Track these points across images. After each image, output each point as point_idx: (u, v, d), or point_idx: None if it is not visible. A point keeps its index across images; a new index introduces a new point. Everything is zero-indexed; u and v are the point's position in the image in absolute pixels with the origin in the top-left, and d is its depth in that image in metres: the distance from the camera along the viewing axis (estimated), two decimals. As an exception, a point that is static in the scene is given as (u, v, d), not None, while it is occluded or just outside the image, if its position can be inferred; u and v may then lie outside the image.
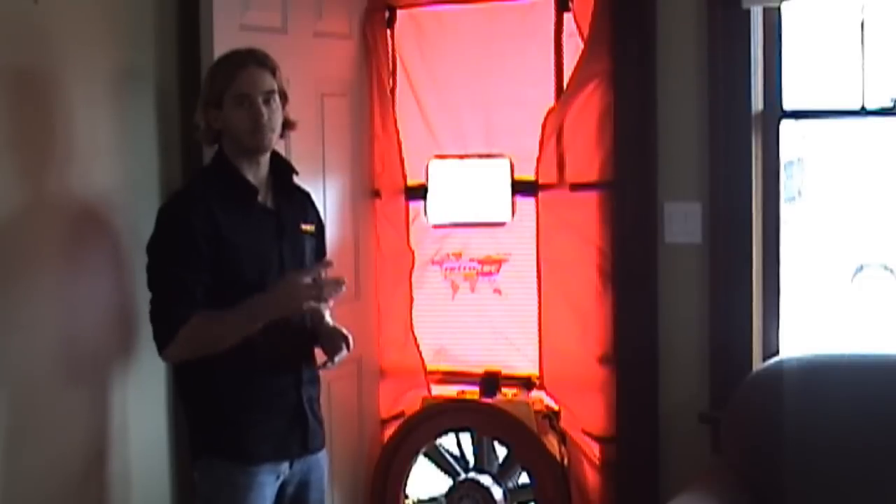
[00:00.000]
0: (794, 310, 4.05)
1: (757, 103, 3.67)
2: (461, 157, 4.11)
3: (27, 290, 3.14)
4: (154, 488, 3.55)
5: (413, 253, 4.14)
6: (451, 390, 4.13)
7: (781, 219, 3.72)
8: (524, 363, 4.04)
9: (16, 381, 3.12)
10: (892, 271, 10.94)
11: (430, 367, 4.15)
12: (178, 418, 3.45)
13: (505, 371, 4.05)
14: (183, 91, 3.58)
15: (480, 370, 4.07)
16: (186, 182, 3.34)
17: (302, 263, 3.11)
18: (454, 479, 4.12)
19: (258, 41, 3.24)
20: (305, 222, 3.21)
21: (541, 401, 3.97)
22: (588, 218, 3.83)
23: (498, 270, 4.09)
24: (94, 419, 3.34)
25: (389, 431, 4.16)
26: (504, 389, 4.02)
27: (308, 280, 2.95)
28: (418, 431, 4.07)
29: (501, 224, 4.07)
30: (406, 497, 4.14)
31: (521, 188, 4.00)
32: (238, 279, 2.98)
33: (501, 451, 4.10)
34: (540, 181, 3.91)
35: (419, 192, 4.14)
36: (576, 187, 3.85)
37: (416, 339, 4.13)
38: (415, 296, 4.15)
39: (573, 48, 3.84)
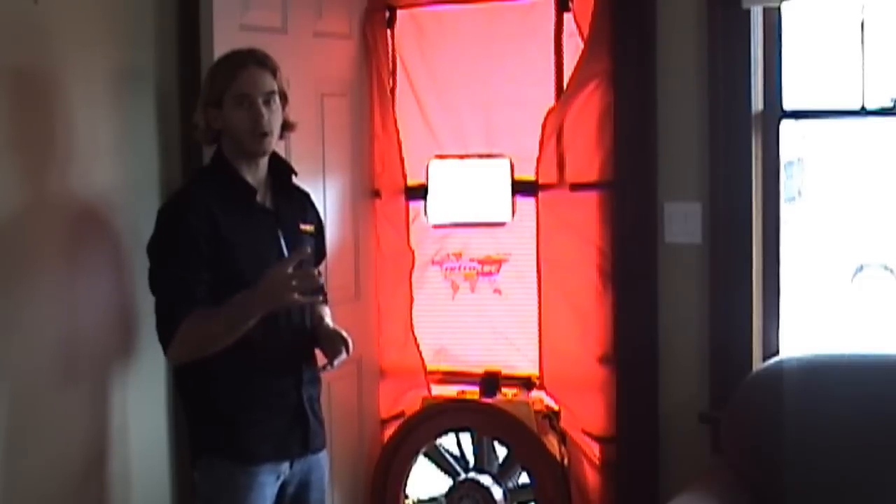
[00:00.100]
0: (794, 310, 4.05)
1: (757, 103, 3.67)
2: (461, 157, 4.10)
3: (27, 290, 3.14)
4: (154, 488, 3.55)
5: (413, 253, 4.14)
6: (451, 390, 4.13)
7: (781, 219, 3.72)
8: (524, 363, 4.04)
9: (16, 381, 3.11)
10: (892, 271, 10.93)
11: (430, 367, 4.14)
12: (178, 418, 3.45)
13: (505, 371, 4.05)
14: (183, 91, 3.58)
15: (480, 370, 4.07)
16: (185, 182, 3.33)
17: (301, 264, 3.11)
18: (454, 479, 4.11)
19: (258, 41, 3.24)
20: (304, 222, 3.21)
21: (541, 401, 3.97)
22: (588, 218, 3.83)
23: (498, 270, 4.09)
24: (94, 419, 3.34)
25: (389, 431, 4.16)
26: (504, 389, 4.02)
27: (289, 270, 2.89)
28: (418, 431, 4.07)
29: (501, 224, 4.06)
30: (406, 497, 4.14)
31: (521, 188, 4.00)
32: (237, 279, 2.97)
33: (501, 451, 4.09)
34: (540, 181, 3.91)
35: (419, 192, 4.14)
36: (576, 187, 3.85)
37: (416, 339, 4.13)
38: (415, 296, 4.15)
39: (573, 48, 3.84)
